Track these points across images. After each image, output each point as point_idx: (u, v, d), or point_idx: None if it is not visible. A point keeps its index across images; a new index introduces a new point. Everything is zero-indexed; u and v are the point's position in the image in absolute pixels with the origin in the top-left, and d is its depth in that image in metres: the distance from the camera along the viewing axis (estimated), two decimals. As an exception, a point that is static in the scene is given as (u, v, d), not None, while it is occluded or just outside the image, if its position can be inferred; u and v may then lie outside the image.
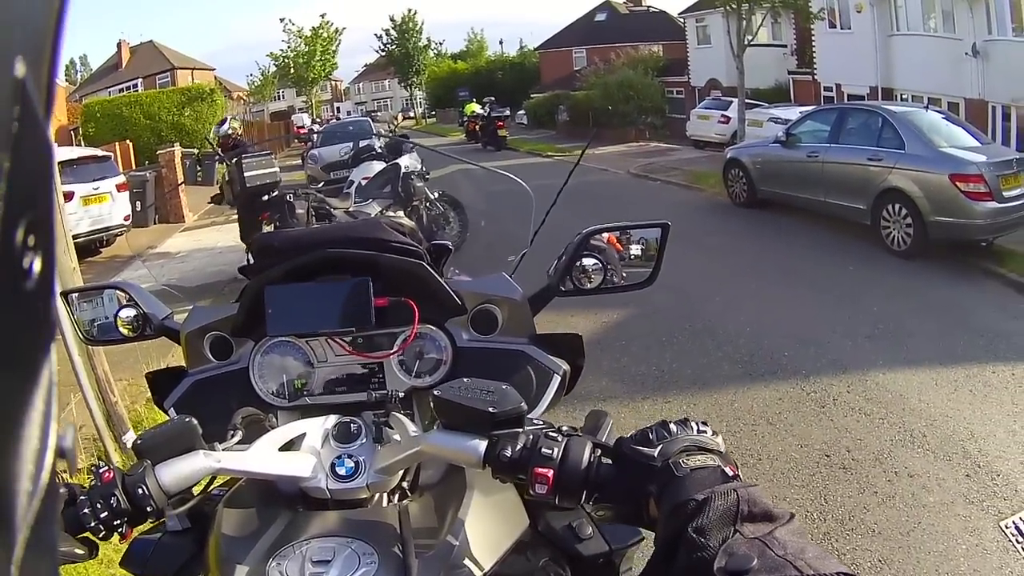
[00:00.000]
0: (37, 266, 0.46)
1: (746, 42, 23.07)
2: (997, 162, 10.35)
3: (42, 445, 0.47)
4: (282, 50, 63.28)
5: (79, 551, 1.36)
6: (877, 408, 5.80)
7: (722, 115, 27.39)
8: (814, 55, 29.18)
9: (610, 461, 1.23)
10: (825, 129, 13.09)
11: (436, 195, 11.15)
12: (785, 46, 33.78)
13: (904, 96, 23.63)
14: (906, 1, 24.67)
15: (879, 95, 24.48)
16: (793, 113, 19.17)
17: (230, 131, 16.12)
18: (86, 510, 1.33)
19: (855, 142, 12.10)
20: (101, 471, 1.38)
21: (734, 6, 23.18)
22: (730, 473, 1.10)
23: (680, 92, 38.73)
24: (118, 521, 1.34)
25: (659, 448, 1.17)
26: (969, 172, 10.08)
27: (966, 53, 21.79)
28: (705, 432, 1.21)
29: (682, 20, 42.04)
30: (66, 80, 63.61)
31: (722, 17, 26.42)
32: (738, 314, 8.18)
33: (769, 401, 6.02)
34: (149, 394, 6.06)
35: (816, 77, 29.12)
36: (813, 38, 29.04)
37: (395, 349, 1.89)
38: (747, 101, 24.41)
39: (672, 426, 1.20)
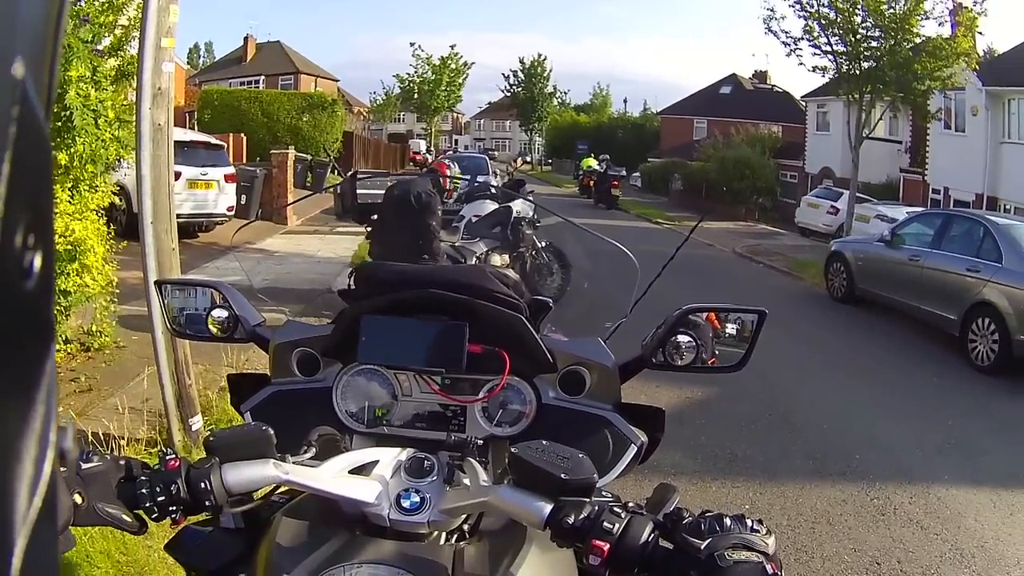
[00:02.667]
0: (37, 265, 0.47)
1: (864, 134, 23.08)
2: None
3: (42, 445, 0.48)
4: (408, 74, 63.12)
5: (128, 519, 1.41)
6: (934, 522, 5.84)
7: (832, 206, 27.33)
8: (926, 155, 29.06)
9: (669, 545, 1.29)
10: (929, 233, 13.03)
11: (543, 244, 10.97)
12: (900, 142, 33.51)
13: (1008, 207, 23.49)
14: (1019, 108, 24.74)
15: (984, 203, 24.34)
16: (900, 212, 19.19)
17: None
18: (144, 490, 1.39)
19: (956, 250, 12.00)
20: (168, 458, 1.43)
21: (856, 96, 23.14)
22: (771, 571, 1.19)
23: (794, 177, 38.64)
24: (173, 508, 1.40)
25: (708, 540, 1.23)
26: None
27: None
28: (758, 531, 1.25)
29: (804, 103, 41.86)
30: (187, 63, 64.43)
31: (843, 105, 26.27)
32: (818, 409, 8.29)
33: (833, 501, 6.08)
34: (223, 383, 6.46)
35: (926, 178, 29.03)
36: (928, 137, 28.95)
37: (481, 396, 1.94)
38: (857, 195, 24.31)
39: (727, 520, 1.26)
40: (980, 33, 22.83)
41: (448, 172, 8.63)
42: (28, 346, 0.48)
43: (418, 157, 53.83)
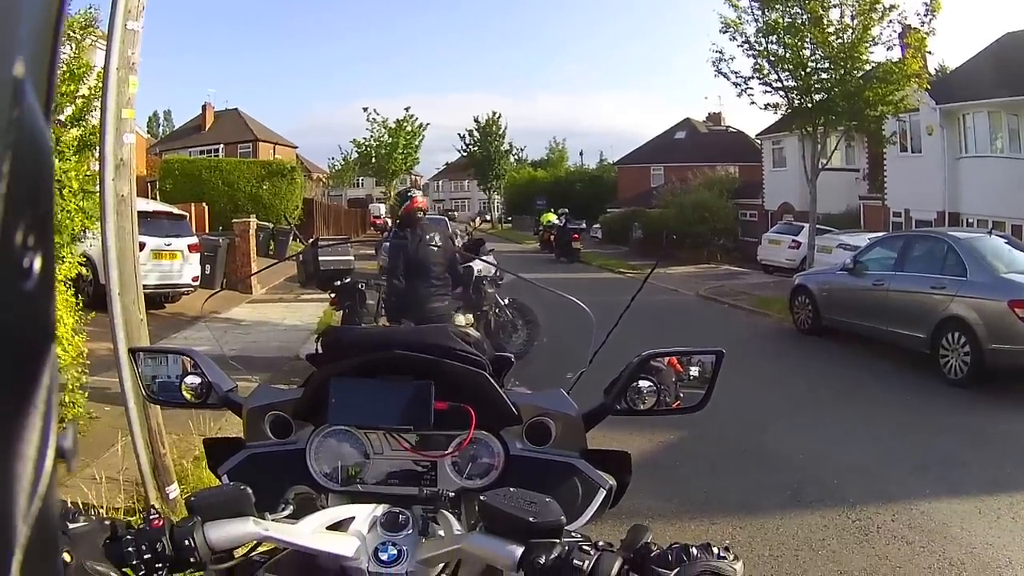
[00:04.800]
0: (37, 266, 0.47)
1: (820, 166, 23.17)
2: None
3: (42, 445, 0.48)
4: (365, 138, 62.17)
5: None
6: (919, 536, 5.76)
7: (793, 240, 27.43)
8: (885, 180, 29.37)
9: None
10: (892, 257, 13.14)
11: (506, 302, 11.17)
12: (857, 170, 33.90)
13: (970, 221, 23.77)
14: (975, 122, 25.18)
15: (946, 220, 24.69)
16: (862, 240, 19.26)
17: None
18: (130, 548, 1.43)
19: (920, 270, 12.12)
20: (152, 517, 1.48)
21: (810, 129, 23.25)
22: None
23: (753, 215, 38.81)
24: (160, 565, 1.44)
25: (676, 571, 1.27)
26: (1028, 297, 10.02)
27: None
28: (725, 558, 1.28)
29: (759, 142, 42.33)
30: (148, 132, 65.40)
31: (798, 140, 26.51)
32: (792, 441, 8.17)
33: (814, 527, 5.98)
34: (197, 452, 6.45)
35: (886, 202, 29.28)
36: (885, 163, 29.26)
37: (450, 451, 1.97)
38: (818, 227, 24.41)
39: (693, 550, 1.29)
40: (930, 53, 23.25)
41: (419, 203, 8.58)
42: (28, 346, 0.49)
43: (378, 221, 54.25)
